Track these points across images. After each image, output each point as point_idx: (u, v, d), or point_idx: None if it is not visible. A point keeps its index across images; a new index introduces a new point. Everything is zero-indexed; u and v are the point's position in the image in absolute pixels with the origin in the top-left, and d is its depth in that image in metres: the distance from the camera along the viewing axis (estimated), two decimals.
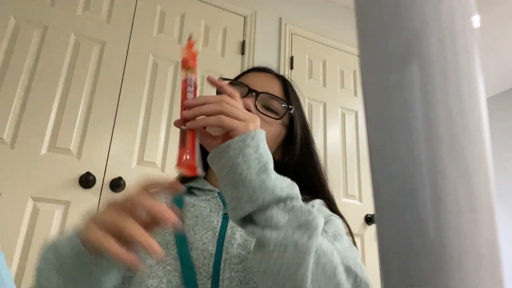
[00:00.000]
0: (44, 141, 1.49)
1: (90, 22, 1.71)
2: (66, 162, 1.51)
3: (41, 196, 1.43)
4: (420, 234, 0.15)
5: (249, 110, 0.59)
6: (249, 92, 0.64)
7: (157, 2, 1.88)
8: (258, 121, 0.49)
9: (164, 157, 1.68)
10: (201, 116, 0.47)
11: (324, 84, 2.23)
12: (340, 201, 1.93)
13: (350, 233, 0.64)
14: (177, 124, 0.48)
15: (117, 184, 1.53)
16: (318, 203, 0.65)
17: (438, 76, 0.16)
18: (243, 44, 2.03)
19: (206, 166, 0.66)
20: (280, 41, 2.13)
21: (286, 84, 0.71)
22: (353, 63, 2.36)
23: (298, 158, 0.69)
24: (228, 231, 0.57)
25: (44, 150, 1.49)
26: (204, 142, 0.50)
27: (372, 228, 2.01)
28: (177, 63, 1.83)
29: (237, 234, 0.57)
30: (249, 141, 0.45)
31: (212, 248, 0.55)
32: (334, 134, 2.14)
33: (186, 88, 0.49)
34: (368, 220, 1.99)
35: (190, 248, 0.55)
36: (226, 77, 0.72)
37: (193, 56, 0.51)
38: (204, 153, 0.49)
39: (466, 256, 0.15)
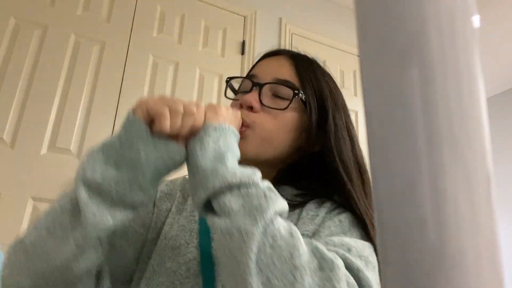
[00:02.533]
0: (44, 141, 1.49)
1: (90, 22, 1.71)
2: (66, 162, 1.51)
3: (41, 196, 1.43)
4: (420, 234, 0.15)
5: (251, 107, 0.58)
6: (253, 86, 0.61)
7: (157, 2, 1.88)
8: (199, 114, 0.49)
9: None
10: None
11: None
12: None
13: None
14: None
15: None
16: (344, 216, 0.55)
17: (438, 76, 0.16)
18: (243, 44, 2.03)
19: None
20: (280, 41, 2.13)
21: (298, 65, 0.64)
22: (353, 63, 2.36)
23: (325, 147, 0.60)
24: None
25: (44, 150, 1.49)
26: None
27: None
28: (177, 63, 1.84)
29: None
30: (211, 131, 0.47)
31: None
32: None
33: None
34: None
35: (211, 238, 0.56)
36: (227, 77, 0.71)
37: None
38: None
39: (466, 256, 0.15)
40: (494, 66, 2.95)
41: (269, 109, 0.59)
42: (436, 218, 0.15)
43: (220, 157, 0.45)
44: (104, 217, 0.44)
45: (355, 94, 2.29)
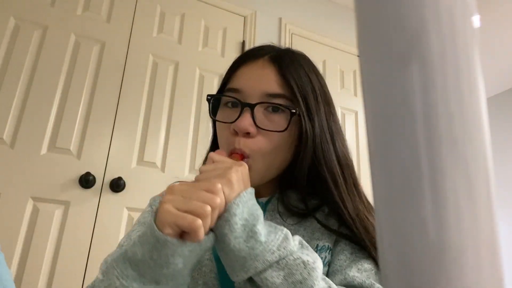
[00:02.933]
0: (44, 141, 1.49)
1: (90, 22, 1.71)
2: (66, 162, 1.51)
3: (41, 196, 1.43)
4: (420, 234, 0.15)
5: (248, 133, 0.56)
6: (243, 107, 0.57)
7: (157, 2, 1.88)
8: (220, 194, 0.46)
9: (164, 157, 1.68)
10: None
11: None
12: None
13: None
14: None
15: (117, 184, 1.53)
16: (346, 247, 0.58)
17: (438, 76, 0.16)
18: (243, 44, 2.03)
19: None
20: (280, 41, 2.13)
21: (282, 67, 0.59)
22: (353, 63, 2.36)
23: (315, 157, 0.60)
24: None
25: (44, 150, 1.49)
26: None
27: None
28: (177, 63, 1.84)
29: None
30: (235, 209, 0.45)
31: None
32: None
33: None
34: None
35: None
36: (207, 94, 0.63)
37: None
38: None
39: (466, 256, 0.15)
40: (494, 66, 2.95)
41: (266, 132, 0.57)
42: (436, 218, 0.15)
43: (252, 233, 0.45)
44: None
45: (355, 94, 2.29)
